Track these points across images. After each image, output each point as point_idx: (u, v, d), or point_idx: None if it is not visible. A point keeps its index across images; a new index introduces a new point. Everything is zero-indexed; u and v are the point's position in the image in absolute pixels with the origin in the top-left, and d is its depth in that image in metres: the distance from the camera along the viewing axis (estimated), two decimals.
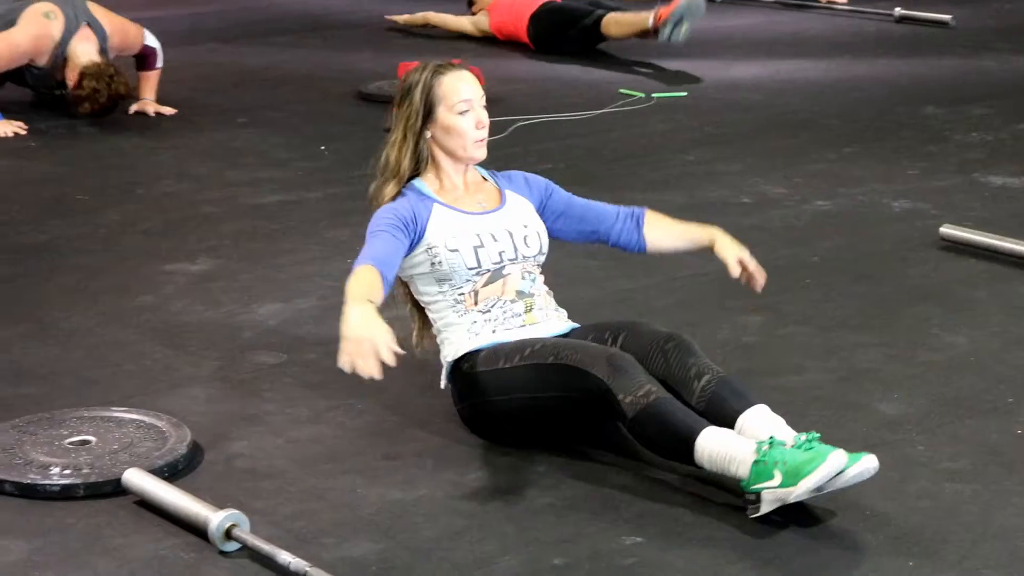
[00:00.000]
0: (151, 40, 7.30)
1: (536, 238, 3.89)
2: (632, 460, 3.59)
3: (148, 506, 3.41)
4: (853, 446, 3.39)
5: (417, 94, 3.83)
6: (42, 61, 7.03)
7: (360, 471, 3.61)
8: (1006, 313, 4.59)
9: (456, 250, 3.77)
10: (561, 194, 4.05)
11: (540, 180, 4.06)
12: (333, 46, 9.00)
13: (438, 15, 9.37)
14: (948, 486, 3.50)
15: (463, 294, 3.79)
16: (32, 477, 3.49)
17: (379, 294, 3.53)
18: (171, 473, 3.55)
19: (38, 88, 7.27)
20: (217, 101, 7.55)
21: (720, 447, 3.34)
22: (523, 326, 3.79)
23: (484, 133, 3.86)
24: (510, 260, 3.82)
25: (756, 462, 3.28)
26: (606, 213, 4.05)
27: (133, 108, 7.19)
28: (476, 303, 3.79)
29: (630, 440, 3.54)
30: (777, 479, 3.25)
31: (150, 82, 7.33)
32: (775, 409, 3.49)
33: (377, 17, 9.83)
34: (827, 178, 6.07)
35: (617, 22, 8.42)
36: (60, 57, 6.99)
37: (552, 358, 3.58)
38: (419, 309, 3.93)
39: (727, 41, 8.97)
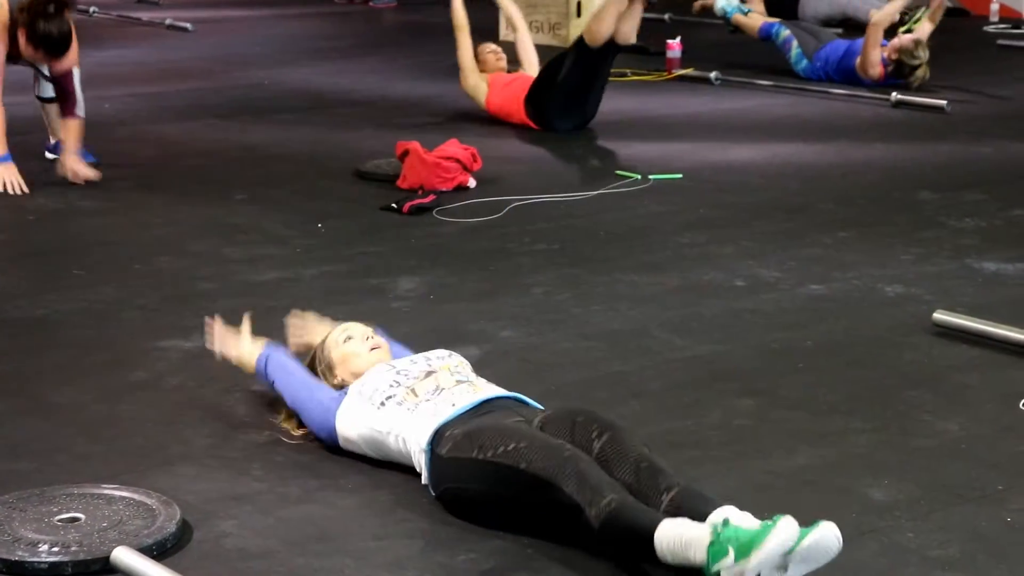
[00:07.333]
0: (77, 81, 7.26)
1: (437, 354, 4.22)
2: None
3: None
4: (841, 532, 3.36)
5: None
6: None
7: (349, 552, 3.60)
8: (998, 400, 4.58)
9: (372, 376, 4.09)
10: None
11: None
12: (333, 124, 9.05)
13: (465, 33, 8.84)
14: (938, 574, 3.49)
15: (402, 398, 3.97)
16: (20, 554, 3.48)
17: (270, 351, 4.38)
18: (160, 552, 3.54)
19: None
20: (216, 177, 7.58)
21: (676, 535, 3.28)
22: (475, 392, 3.95)
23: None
24: (430, 363, 4.11)
25: (711, 543, 3.24)
26: None
27: (61, 172, 7.24)
28: (418, 395, 3.95)
29: None
30: (731, 556, 3.21)
31: (72, 132, 7.30)
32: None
33: (378, 96, 9.88)
34: (821, 262, 6.09)
35: (594, 16, 8.30)
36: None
37: (525, 464, 3.56)
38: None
39: (723, 124, 9.02)
